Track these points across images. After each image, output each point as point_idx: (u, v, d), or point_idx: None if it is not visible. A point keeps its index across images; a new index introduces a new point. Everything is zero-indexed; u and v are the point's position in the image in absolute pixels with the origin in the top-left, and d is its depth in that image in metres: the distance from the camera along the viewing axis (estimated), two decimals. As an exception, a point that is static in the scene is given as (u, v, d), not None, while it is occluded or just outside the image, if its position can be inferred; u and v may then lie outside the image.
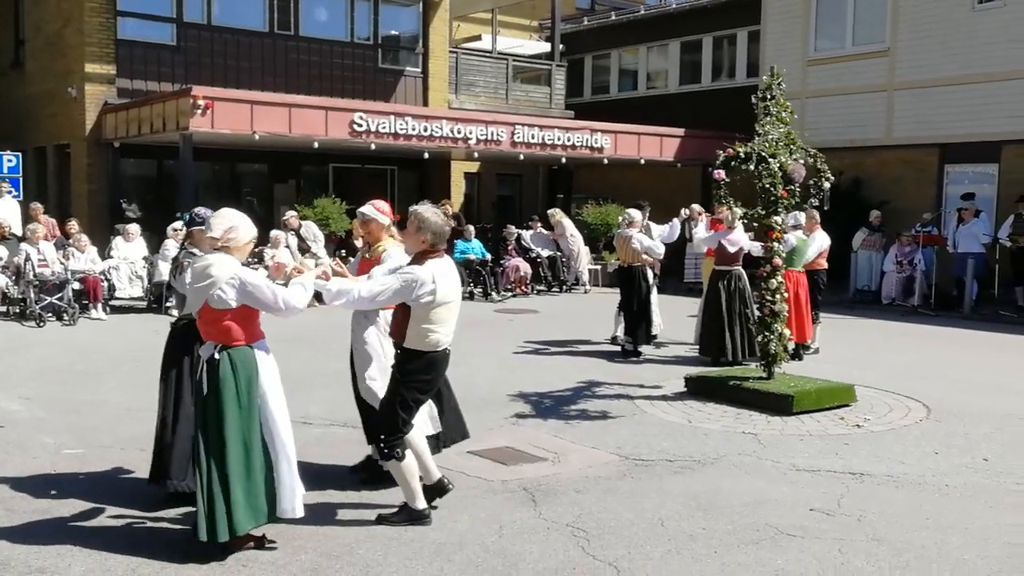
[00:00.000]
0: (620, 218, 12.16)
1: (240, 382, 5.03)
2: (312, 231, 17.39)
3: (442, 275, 5.41)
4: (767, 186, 9.01)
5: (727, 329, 11.22)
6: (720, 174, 9.02)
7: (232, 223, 5.11)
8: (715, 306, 11.32)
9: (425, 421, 6.00)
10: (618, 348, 12.07)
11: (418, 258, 5.49)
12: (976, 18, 18.61)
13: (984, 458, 7.32)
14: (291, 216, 17.32)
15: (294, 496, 5.17)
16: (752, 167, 8.93)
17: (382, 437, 5.51)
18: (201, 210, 6.06)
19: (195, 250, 5.92)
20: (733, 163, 8.98)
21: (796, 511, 6.00)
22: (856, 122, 20.23)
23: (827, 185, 9.07)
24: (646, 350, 12.00)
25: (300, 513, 5.20)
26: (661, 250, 12.13)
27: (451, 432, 6.40)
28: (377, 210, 6.37)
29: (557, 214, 20.03)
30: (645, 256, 11.88)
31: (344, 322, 6.47)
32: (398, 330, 5.52)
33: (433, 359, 5.51)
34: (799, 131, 9.13)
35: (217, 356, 5.02)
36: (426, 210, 5.51)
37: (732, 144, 9.21)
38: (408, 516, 5.63)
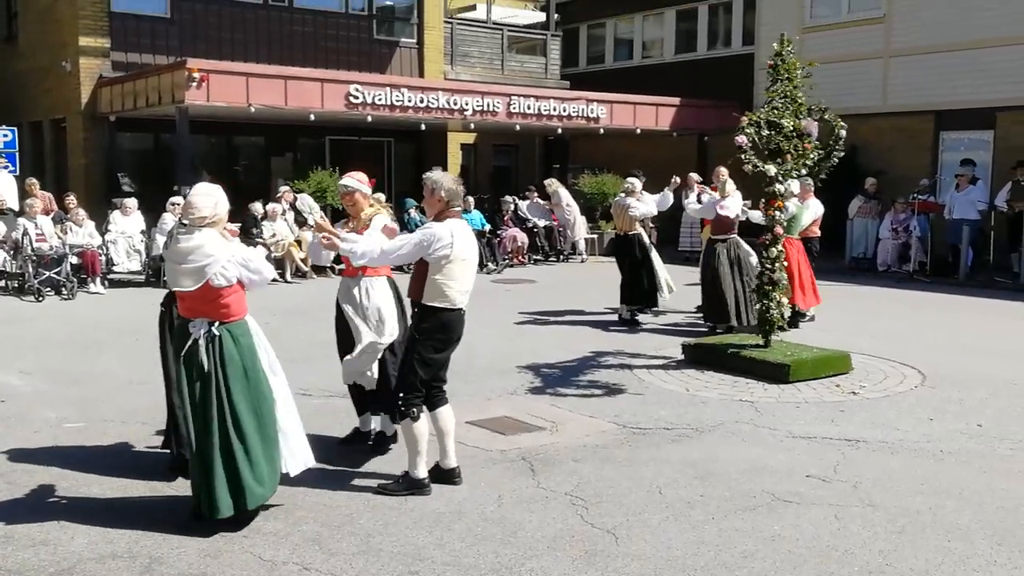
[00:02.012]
0: (625, 185, 12.20)
1: (245, 356, 5.10)
2: (307, 203, 17.31)
3: (459, 233, 5.62)
4: (786, 148, 9.06)
5: (727, 295, 11.22)
6: (742, 139, 9.05)
7: (215, 197, 5.18)
8: (715, 273, 11.28)
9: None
10: (615, 316, 12.12)
11: (437, 218, 5.70)
12: (972, -17, 18.52)
13: (978, 424, 7.38)
14: (285, 190, 17.31)
15: (305, 453, 5.44)
16: (766, 133, 9.00)
17: (400, 395, 5.60)
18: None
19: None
20: (750, 130, 9.03)
21: (792, 478, 6.07)
22: (852, 89, 20.14)
23: (843, 133, 9.13)
24: (644, 319, 12.05)
25: (309, 464, 5.48)
26: (653, 210, 12.20)
27: None
28: (358, 181, 6.56)
29: (553, 184, 19.98)
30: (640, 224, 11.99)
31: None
32: (416, 287, 5.66)
33: (448, 318, 5.63)
34: (803, 94, 9.17)
35: (216, 332, 5.06)
36: (436, 173, 5.84)
37: (728, 113, 9.26)
38: (408, 485, 5.69)
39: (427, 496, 5.64)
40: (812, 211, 11.99)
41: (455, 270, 5.58)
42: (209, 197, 5.14)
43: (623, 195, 12.04)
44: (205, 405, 5.04)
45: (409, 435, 5.66)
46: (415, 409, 5.59)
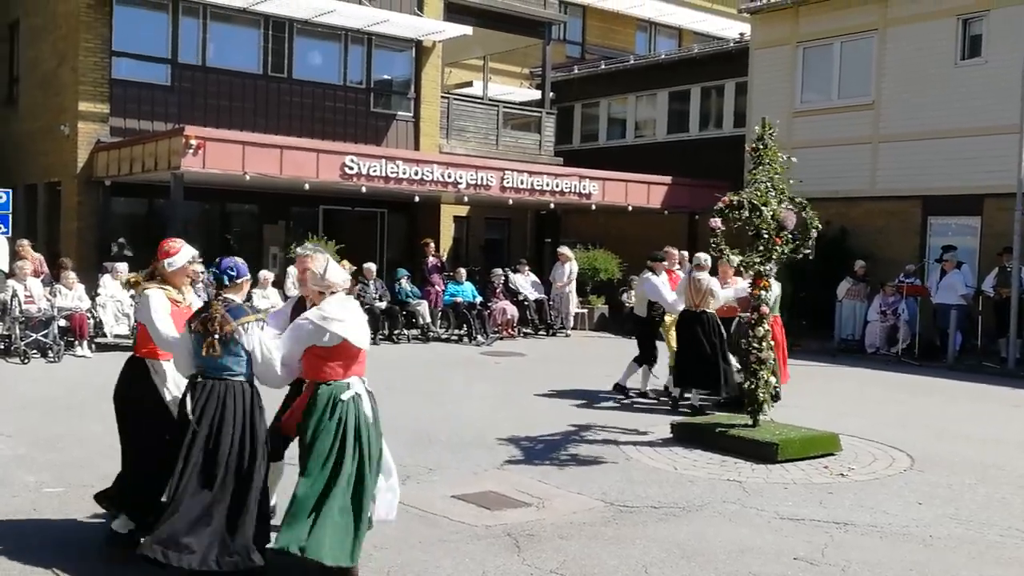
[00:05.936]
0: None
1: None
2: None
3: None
4: (763, 234, 9.09)
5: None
6: (716, 223, 9.12)
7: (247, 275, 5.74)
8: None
9: None
10: (622, 397, 11.87)
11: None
12: (959, 74, 18.92)
13: (967, 509, 7.33)
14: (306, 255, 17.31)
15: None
16: (746, 215, 9.04)
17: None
18: (227, 261, 5.85)
19: (231, 295, 5.72)
20: (728, 212, 9.09)
21: (780, 560, 6.00)
22: (841, 173, 20.42)
23: (814, 233, 9.21)
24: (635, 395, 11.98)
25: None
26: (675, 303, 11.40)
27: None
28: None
29: (567, 251, 20.47)
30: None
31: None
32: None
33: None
34: (785, 180, 9.26)
35: (369, 389, 5.58)
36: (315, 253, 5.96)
37: (721, 193, 9.34)
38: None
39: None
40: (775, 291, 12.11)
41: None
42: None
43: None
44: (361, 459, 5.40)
45: None
46: None
